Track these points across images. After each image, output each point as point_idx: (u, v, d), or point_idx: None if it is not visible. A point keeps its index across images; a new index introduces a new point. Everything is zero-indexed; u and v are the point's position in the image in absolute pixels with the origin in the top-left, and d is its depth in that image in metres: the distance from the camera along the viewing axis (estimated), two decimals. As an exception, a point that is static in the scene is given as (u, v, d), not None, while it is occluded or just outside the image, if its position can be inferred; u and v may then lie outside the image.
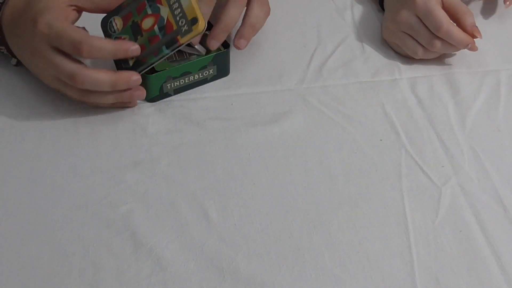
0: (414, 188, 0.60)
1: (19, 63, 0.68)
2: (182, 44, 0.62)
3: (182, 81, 0.68)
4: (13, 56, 0.67)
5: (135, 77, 0.62)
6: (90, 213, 0.57)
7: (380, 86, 0.72)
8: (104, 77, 0.61)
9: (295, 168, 0.62)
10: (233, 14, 0.66)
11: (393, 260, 0.54)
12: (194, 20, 0.61)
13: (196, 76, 0.69)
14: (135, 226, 0.56)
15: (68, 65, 0.60)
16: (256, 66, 0.73)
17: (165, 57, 0.63)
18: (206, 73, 0.70)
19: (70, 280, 0.52)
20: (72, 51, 0.59)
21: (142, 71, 0.64)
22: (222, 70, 0.71)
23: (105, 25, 0.66)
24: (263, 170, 0.61)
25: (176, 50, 0.63)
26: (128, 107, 0.67)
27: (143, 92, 0.65)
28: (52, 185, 0.59)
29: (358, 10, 0.83)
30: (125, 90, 0.64)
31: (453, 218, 0.58)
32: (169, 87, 0.68)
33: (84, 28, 0.66)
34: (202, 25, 0.61)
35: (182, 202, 0.58)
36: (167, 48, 0.63)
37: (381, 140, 0.65)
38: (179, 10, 0.63)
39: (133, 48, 0.62)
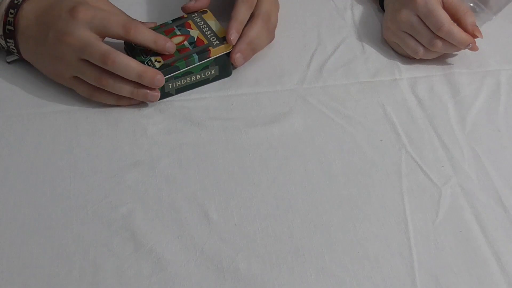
0: (414, 188, 0.60)
1: (14, 61, 0.68)
2: (212, 57, 0.67)
3: (184, 81, 0.68)
4: (18, 52, 0.67)
5: (160, 76, 0.64)
6: (90, 213, 0.57)
7: (380, 86, 0.72)
8: (134, 64, 0.63)
9: (295, 168, 0.62)
10: (259, 31, 0.69)
11: (393, 260, 0.54)
12: (225, 38, 0.68)
13: (198, 76, 0.69)
14: (135, 226, 0.56)
15: (103, 46, 0.62)
16: (256, 66, 0.73)
17: (192, 67, 0.67)
18: (208, 73, 0.70)
19: (70, 280, 0.52)
20: (121, 30, 0.63)
21: (166, 75, 0.65)
22: (224, 71, 0.71)
23: (131, 47, 0.69)
24: (263, 170, 0.61)
25: (204, 62, 0.67)
26: (130, 105, 0.67)
27: (158, 94, 0.66)
28: (52, 185, 0.59)
29: (358, 10, 0.82)
30: (142, 88, 0.65)
31: (453, 218, 0.58)
32: (170, 86, 0.68)
33: None
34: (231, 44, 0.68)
35: (182, 202, 0.58)
36: (197, 54, 0.67)
37: (381, 140, 0.65)
38: (209, 32, 0.70)
39: (169, 44, 0.66)
